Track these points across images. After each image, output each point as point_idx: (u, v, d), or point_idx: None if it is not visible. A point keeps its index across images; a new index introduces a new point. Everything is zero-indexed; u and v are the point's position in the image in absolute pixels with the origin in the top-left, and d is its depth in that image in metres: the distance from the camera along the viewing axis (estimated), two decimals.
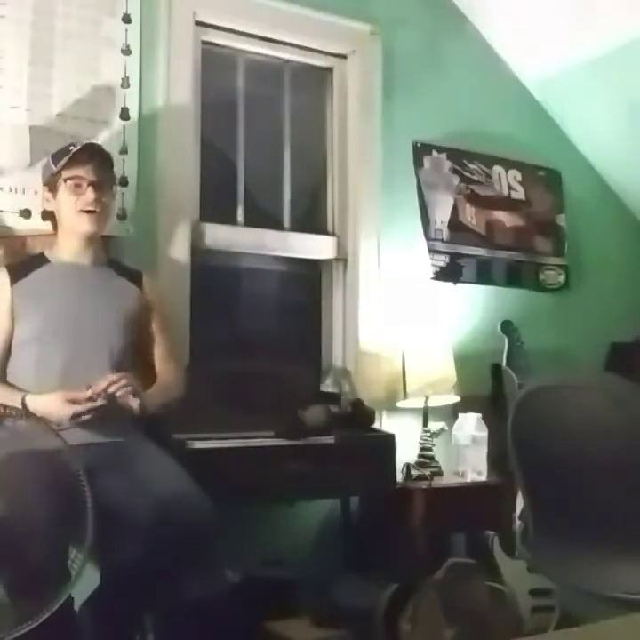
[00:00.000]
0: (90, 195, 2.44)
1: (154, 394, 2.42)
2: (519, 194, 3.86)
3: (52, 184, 2.49)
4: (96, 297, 2.47)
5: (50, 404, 2.20)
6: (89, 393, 2.22)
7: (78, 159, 2.44)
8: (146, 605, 2.13)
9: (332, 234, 3.46)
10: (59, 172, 2.45)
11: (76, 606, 2.07)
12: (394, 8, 3.56)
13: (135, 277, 2.60)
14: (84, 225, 2.46)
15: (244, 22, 3.24)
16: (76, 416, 2.19)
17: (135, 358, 2.51)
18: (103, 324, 2.43)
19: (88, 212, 2.45)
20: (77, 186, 2.44)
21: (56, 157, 2.49)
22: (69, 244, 2.50)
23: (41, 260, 2.50)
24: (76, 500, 1.83)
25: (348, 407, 3.03)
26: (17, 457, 1.97)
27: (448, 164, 3.66)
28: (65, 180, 2.45)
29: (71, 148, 2.47)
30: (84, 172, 2.44)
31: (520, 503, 2.52)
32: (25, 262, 2.52)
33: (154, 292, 2.64)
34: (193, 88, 3.08)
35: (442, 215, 3.62)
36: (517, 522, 2.63)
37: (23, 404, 2.20)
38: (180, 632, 2.09)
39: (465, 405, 3.34)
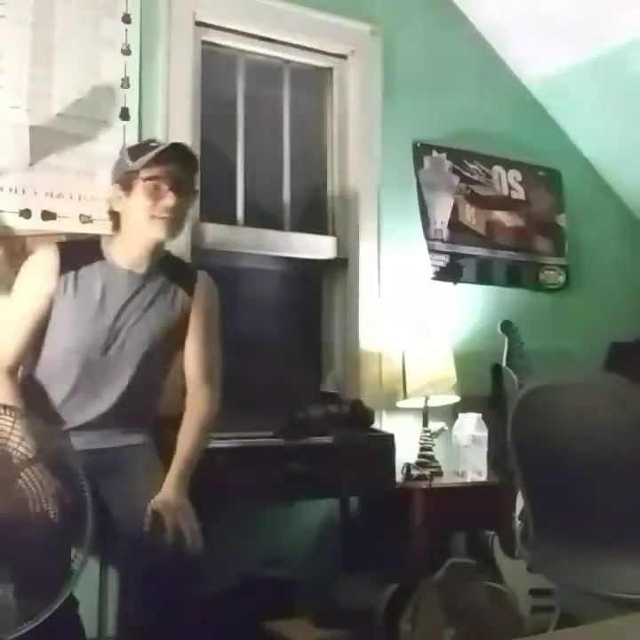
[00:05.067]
0: (169, 200, 2.20)
1: (188, 437, 2.26)
2: (519, 194, 3.86)
3: (126, 182, 2.24)
4: (135, 317, 2.27)
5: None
6: None
7: (161, 159, 2.20)
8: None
9: (332, 234, 3.46)
10: (136, 170, 2.21)
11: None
12: (394, 8, 3.55)
13: (188, 281, 2.38)
14: (156, 232, 2.23)
15: (244, 22, 3.24)
16: None
17: (158, 384, 2.40)
18: (129, 352, 2.27)
19: (164, 218, 2.21)
20: (156, 188, 2.20)
21: (134, 153, 2.26)
22: (131, 250, 2.28)
23: (94, 252, 2.28)
24: (77, 500, 1.83)
25: (347, 407, 3.03)
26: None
27: (448, 164, 3.66)
28: (143, 180, 2.20)
29: (152, 144, 2.26)
30: (166, 173, 2.20)
31: (520, 503, 2.52)
32: (78, 249, 2.31)
33: (204, 297, 2.41)
34: (193, 88, 3.08)
35: (442, 215, 3.62)
36: (517, 522, 2.63)
37: None
38: (180, 632, 2.09)
39: (465, 405, 3.33)
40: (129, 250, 2.28)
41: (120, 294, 2.26)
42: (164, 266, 2.35)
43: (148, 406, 2.39)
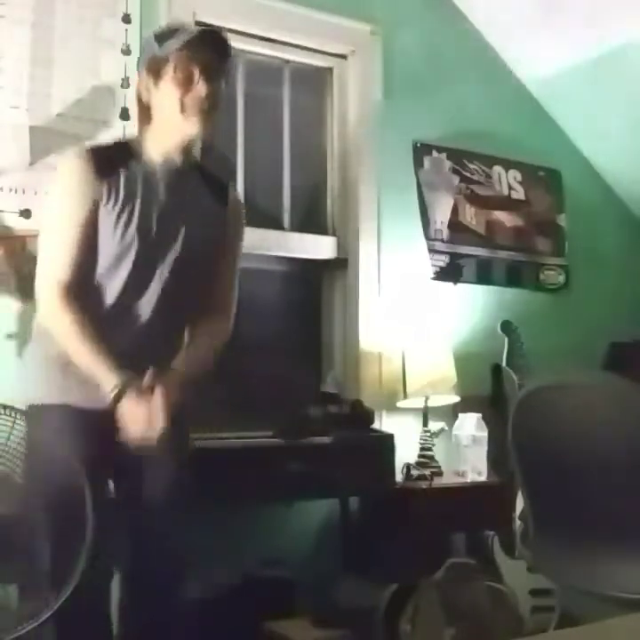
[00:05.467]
0: (201, 89, 2.02)
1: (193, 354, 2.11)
2: (519, 194, 3.86)
3: (155, 70, 2.04)
4: (181, 212, 2.09)
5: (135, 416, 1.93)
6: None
7: (192, 45, 2.02)
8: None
9: (332, 234, 3.46)
10: (166, 56, 2.02)
11: None
12: (394, 8, 3.56)
13: (221, 189, 2.22)
14: (190, 125, 2.04)
15: (244, 22, 3.24)
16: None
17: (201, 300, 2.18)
18: (181, 256, 2.07)
19: (197, 109, 2.03)
20: (187, 77, 2.02)
21: (163, 37, 2.06)
22: (163, 144, 2.08)
23: (126, 152, 2.08)
24: (77, 500, 1.83)
25: (347, 407, 3.03)
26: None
27: (448, 164, 3.67)
28: (174, 68, 2.02)
29: (181, 30, 2.07)
30: (198, 61, 2.02)
31: (520, 503, 2.52)
32: (109, 152, 2.08)
33: (237, 215, 2.25)
34: None
35: (442, 215, 3.62)
36: (517, 522, 2.63)
37: (116, 398, 1.92)
38: (179, 632, 2.09)
39: (465, 405, 3.34)
40: (162, 144, 2.08)
41: (161, 193, 2.07)
42: (197, 169, 2.19)
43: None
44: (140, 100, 2.11)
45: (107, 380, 1.93)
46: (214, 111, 2.06)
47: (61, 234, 2.01)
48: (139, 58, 2.16)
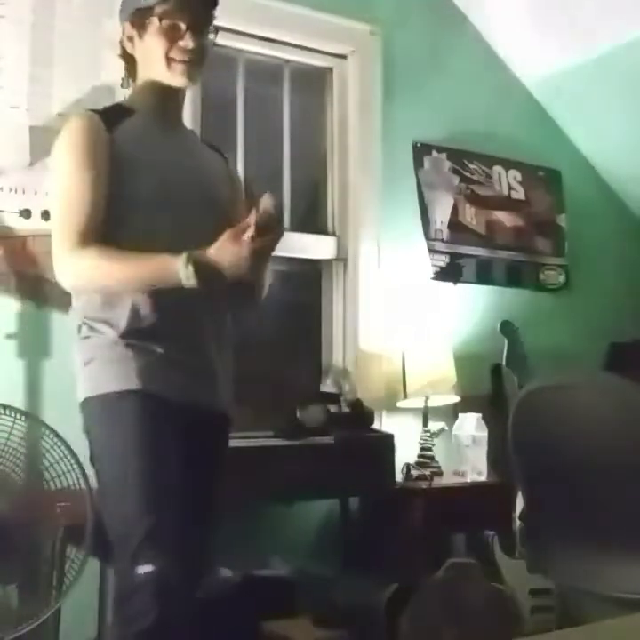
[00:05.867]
0: (188, 41, 1.93)
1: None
2: (519, 194, 3.86)
3: (139, 21, 1.96)
4: (194, 157, 2.06)
5: (223, 251, 1.79)
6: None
7: None
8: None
9: (332, 234, 3.46)
10: (151, 7, 1.93)
11: None
12: (394, 8, 3.56)
13: (218, 150, 2.18)
14: (177, 77, 1.96)
15: (244, 22, 3.23)
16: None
17: None
18: (208, 191, 2.03)
19: (183, 62, 1.95)
20: (173, 28, 1.93)
21: None
22: (150, 98, 2.02)
23: (124, 109, 2.03)
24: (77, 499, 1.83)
25: (347, 407, 3.03)
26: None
27: (448, 164, 3.67)
28: (159, 19, 1.93)
29: None
30: (184, 10, 1.93)
31: (520, 503, 2.52)
32: (109, 109, 2.02)
33: (239, 183, 2.21)
34: (192, 88, 3.07)
35: (442, 215, 3.62)
36: (517, 522, 2.63)
37: (194, 261, 1.78)
38: (178, 631, 2.08)
39: (465, 405, 3.34)
40: (150, 98, 2.02)
41: (168, 138, 2.02)
42: (191, 131, 2.18)
43: None
44: (124, 54, 2.04)
45: (171, 262, 1.80)
46: (201, 64, 1.99)
47: (77, 187, 1.89)
48: (121, 8, 2.04)
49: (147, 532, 1.75)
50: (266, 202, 1.80)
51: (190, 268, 1.77)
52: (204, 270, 1.78)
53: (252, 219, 1.79)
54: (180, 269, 1.78)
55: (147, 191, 1.92)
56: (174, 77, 1.96)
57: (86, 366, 1.90)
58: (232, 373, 2.09)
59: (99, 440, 1.88)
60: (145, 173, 1.93)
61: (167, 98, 2.02)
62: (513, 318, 3.39)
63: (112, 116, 1.96)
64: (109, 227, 1.89)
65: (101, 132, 1.91)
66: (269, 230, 1.80)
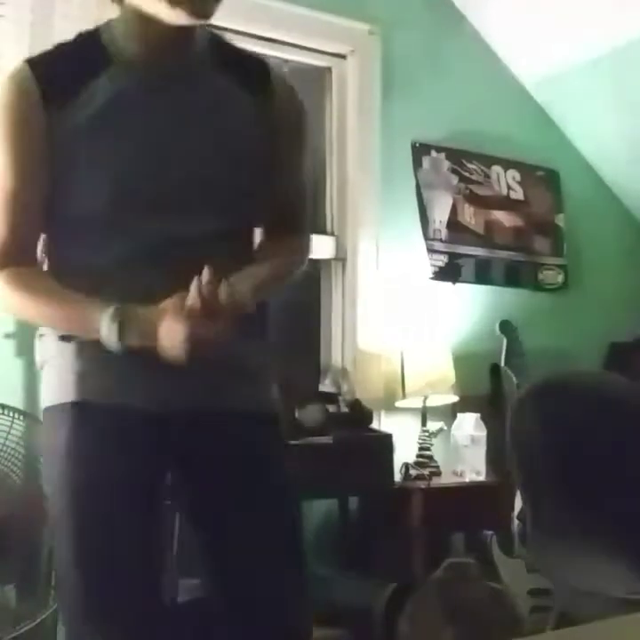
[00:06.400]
0: None
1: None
2: (518, 194, 3.86)
3: None
4: (190, 130, 1.48)
5: (168, 326, 1.34)
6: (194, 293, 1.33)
7: None
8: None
9: (331, 233, 3.46)
10: None
11: None
12: (393, 8, 3.55)
13: (259, 80, 1.54)
14: (180, 11, 1.35)
15: (243, 22, 3.23)
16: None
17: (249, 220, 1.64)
18: (220, 184, 1.51)
19: None
20: None
21: None
22: (147, 38, 1.44)
23: (95, 59, 1.43)
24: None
25: (346, 407, 3.03)
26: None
27: (447, 164, 3.67)
28: None
29: None
30: None
31: (519, 503, 2.52)
32: (64, 62, 1.47)
33: (289, 104, 1.58)
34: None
35: (441, 215, 3.62)
36: (516, 522, 2.63)
37: (119, 323, 1.35)
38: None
39: (464, 405, 3.34)
40: (144, 39, 1.44)
41: (154, 107, 1.46)
42: (209, 58, 1.50)
43: None
44: None
45: (93, 312, 1.38)
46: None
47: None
48: None
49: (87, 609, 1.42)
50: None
51: (114, 327, 1.35)
52: (134, 335, 1.36)
53: (193, 288, 1.34)
54: (102, 325, 1.36)
55: (101, 195, 1.42)
56: (176, 12, 1.35)
57: (42, 370, 1.55)
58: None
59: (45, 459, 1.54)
60: (102, 168, 1.42)
61: (167, 44, 1.44)
62: (512, 318, 3.40)
63: (64, 81, 1.43)
64: (48, 245, 1.50)
65: (35, 107, 1.41)
66: (218, 310, 1.37)
